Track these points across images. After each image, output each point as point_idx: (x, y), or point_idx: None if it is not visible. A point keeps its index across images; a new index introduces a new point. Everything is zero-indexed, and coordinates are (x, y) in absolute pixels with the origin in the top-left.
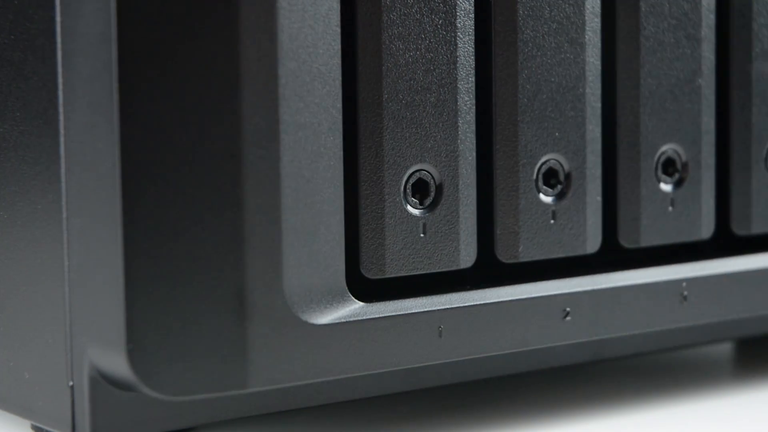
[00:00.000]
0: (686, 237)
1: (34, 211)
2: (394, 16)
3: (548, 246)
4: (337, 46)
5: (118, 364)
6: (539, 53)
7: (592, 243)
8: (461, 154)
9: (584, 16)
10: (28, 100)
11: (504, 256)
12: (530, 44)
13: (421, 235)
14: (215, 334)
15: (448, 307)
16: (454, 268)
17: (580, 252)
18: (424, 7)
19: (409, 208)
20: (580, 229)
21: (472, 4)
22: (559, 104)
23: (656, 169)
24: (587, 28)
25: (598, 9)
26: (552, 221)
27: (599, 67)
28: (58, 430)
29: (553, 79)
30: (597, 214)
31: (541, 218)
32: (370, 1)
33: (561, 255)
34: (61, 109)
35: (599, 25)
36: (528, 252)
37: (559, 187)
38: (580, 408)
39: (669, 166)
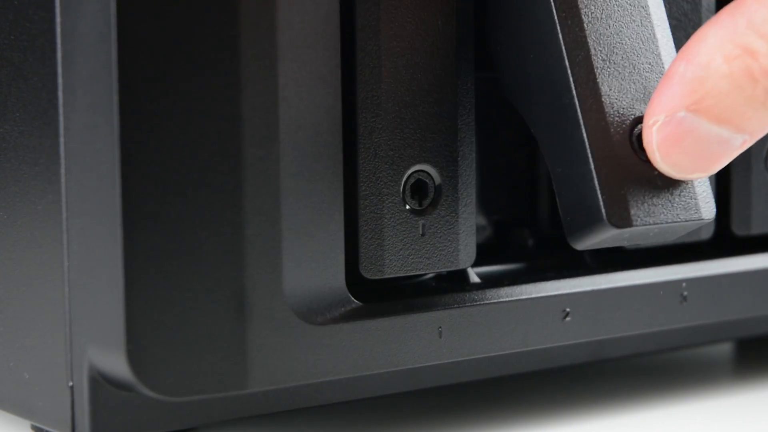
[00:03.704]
0: (686, 237)
1: (34, 211)
2: (393, 16)
3: None
4: (337, 46)
5: (118, 365)
6: None
7: None
8: (460, 155)
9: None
10: (28, 100)
11: None
12: None
13: (420, 235)
14: (215, 334)
15: (447, 307)
16: (453, 268)
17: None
18: (424, 8)
19: (408, 208)
20: None
21: (472, 5)
22: None
23: None
24: None
25: None
26: None
27: None
28: (58, 430)
29: None
30: None
31: None
32: (369, 2)
33: None
34: (60, 110)
35: None
36: None
37: None
38: (580, 408)
39: None
